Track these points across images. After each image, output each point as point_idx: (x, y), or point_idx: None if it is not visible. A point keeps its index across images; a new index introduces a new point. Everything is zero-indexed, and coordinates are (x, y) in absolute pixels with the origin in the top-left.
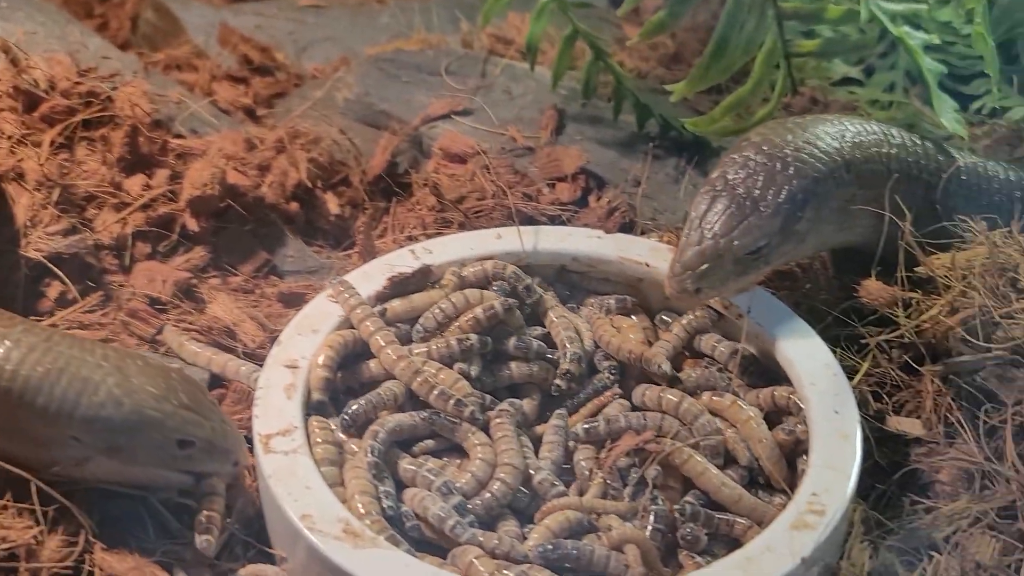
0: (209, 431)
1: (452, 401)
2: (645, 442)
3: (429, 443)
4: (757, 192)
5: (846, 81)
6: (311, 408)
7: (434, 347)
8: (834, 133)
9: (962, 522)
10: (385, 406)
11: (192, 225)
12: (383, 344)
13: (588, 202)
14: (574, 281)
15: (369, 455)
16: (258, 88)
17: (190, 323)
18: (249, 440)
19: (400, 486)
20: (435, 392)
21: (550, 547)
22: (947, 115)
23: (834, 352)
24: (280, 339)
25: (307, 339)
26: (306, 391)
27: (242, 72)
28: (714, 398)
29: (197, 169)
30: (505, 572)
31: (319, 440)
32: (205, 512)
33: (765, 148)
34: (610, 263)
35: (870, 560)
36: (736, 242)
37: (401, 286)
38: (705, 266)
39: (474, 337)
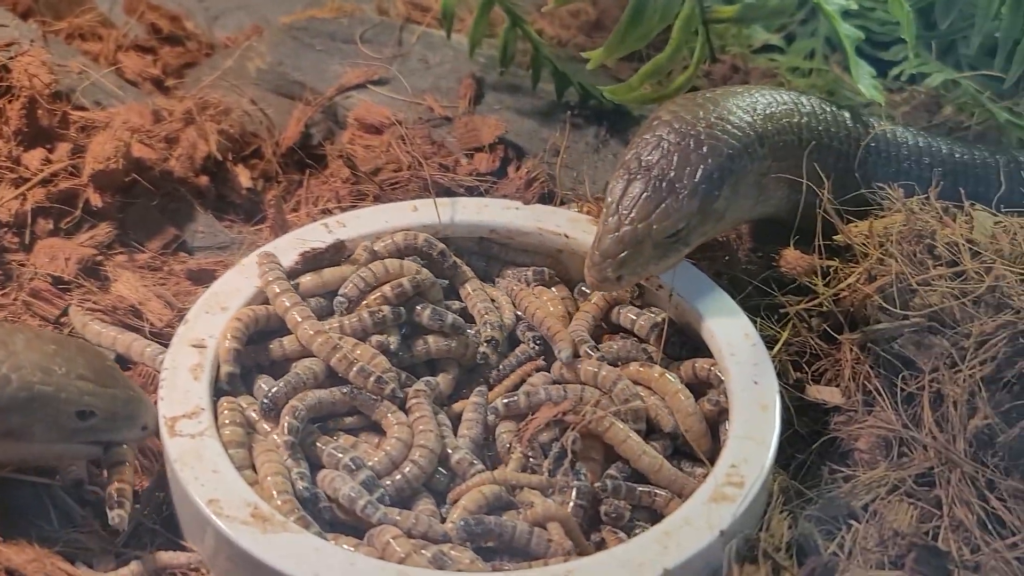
0: (110, 399)
1: (372, 378)
2: (564, 413)
3: (349, 420)
4: (672, 173)
5: (767, 49)
6: (220, 385)
7: (347, 321)
8: (745, 106)
9: (880, 490)
10: (305, 386)
11: (96, 200)
12: (300, 319)
13: (507, 172)
14: (494, 253)
15: (285, 434)
16: (167, 58)
17: (95, 303)
18: None
19: (317, 467)
20: (355, 369)
21: (472, 522)
22: (864, 81)
23: (754, 322)
24: (187, 318)
25: (216, 317)
26: (214, 372)
27: (150, 42)
28: (641, 369)
29: (100, 142)
30: (423, 552)
31: (227, 421)
32: (115, 485)
33: (677, 126)
34: (529, 234)
35: (789, 531)
36: (655, 226)
37: (314, 262)
38: (625, 253)
39: (387, 309)
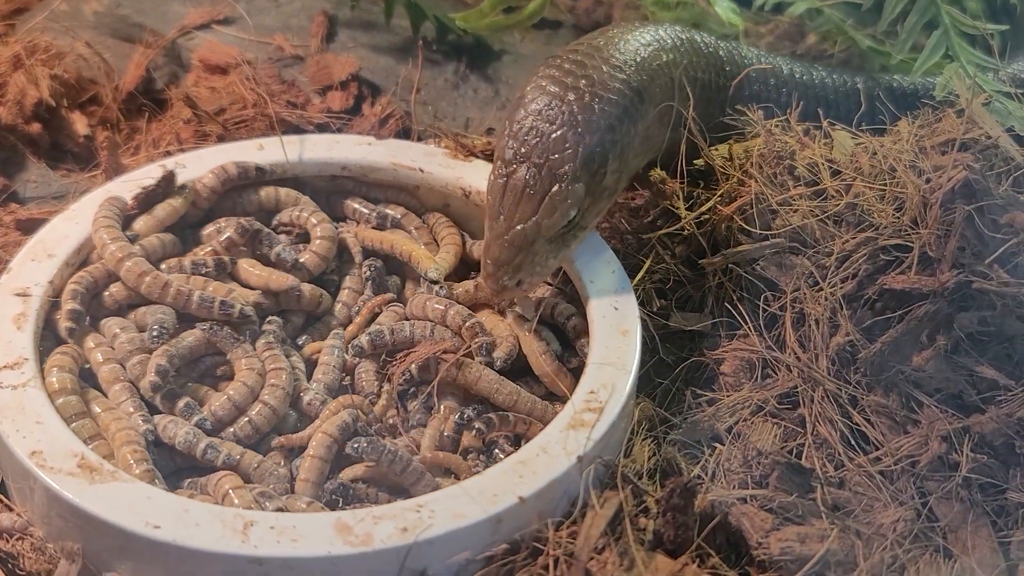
0: None
1: (216, 304)
2: (443, 351)
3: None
4: (553, 158)
5: None
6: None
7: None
8: (617, 62)
9: (744, 412)
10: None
11: None
12: (121, 256)
13: (361, 110)
14: (349, 190)
15: (150, 391)
16: None
17: None
18: None
19: None
20: (195, 299)
21: (365, 444)
22: (722, 5)
23: (616, 252)
24: (10, 266)
25: (41, 264)
26: (39, 321)
27: None
28: (492, 315)
29: None
30: (266, 504)
31: (57, 368)
32: None
33: (548, 102)
34: (383, 170)
35: (652, 457)
36: (544, 222)
37: (148, 200)
38: (518, 257)
39: (210, 261)
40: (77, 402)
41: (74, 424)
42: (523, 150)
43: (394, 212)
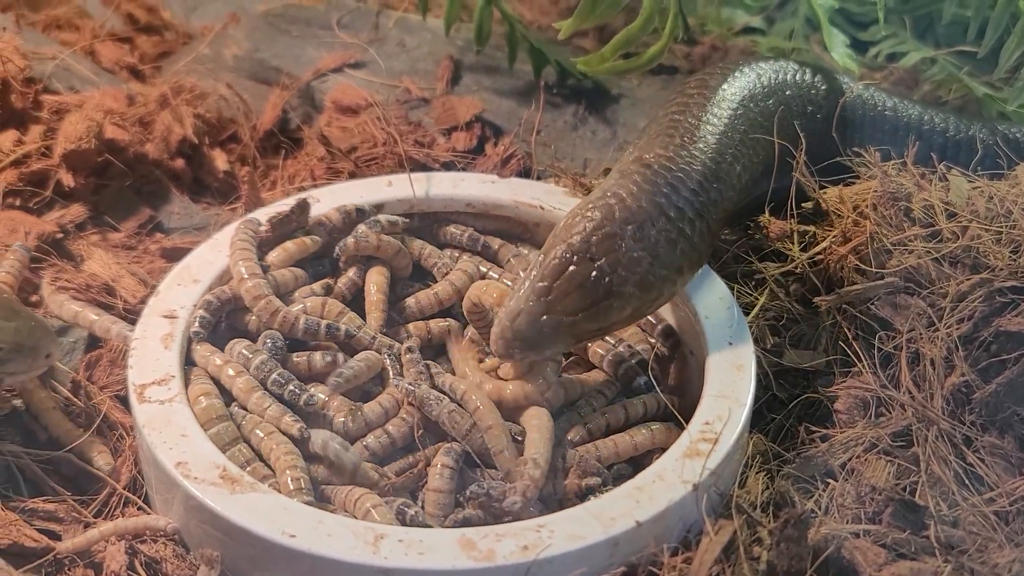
0: (13, 332)
1: (323, 327)
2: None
3: None
4: (621, 275)
5: (748, 32)
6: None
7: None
8: (706, 145)
9: (858, 448)
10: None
11: (68, 181)
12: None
13: (484, 150)
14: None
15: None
16: (144, 47)
17: (68, 280)
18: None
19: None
20: (301, 325)
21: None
22: (838, 50)
23: (731, 288)
24: (158, 290)
25: (187, 289)
26: (184, 341)
27: (127, 32)
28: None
29: (72, 123)
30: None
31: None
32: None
33: (625, 209)
34: (505, 207)
35: (765, 490)
36: (582, 324)
37: (282, 226)
38: (540, 338)
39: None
40: (230, 428)
41: (229, 451)
42: (595, 251)
43: (491, 242)
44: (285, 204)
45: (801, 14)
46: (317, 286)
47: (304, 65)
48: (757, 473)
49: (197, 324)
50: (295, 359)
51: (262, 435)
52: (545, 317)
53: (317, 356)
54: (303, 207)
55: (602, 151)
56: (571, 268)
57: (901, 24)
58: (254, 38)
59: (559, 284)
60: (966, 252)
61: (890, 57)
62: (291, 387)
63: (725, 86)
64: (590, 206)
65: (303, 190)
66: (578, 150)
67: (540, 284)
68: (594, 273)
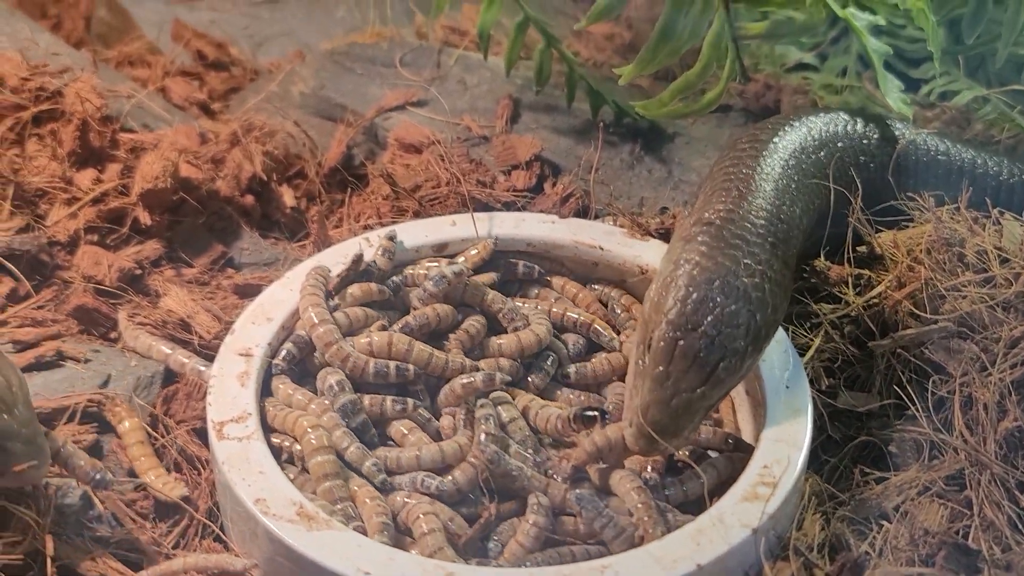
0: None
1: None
2: None
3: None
4: (726, 331)
5: (800, 68)
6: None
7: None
8: (774, 199)
9: (911, 491)
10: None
11: (145, 218)
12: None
13: (543, 189)
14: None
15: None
16: (213, 83)
17: (145, 316)
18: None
19: None
20: (371, 369)
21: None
22: (892, 95)
23: (787, 330)
24: (234, 328)
25: (261, 328)
26: (260, 379)
27: (196, 68)
28: None
29: (149, 162)
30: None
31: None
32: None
33: (718, 279)
34: (565, 247)
35: (821, 531)
36: (708, 395)
37: (344, 283)
38: (681, 422)
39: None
40: (341, 486)
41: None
42: (695, 319)
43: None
44: (345, 256)
45: (854, 51)
46: (375, 326)
47: (368, 102)
48: (813, 515)
49: (282, 359)
50: (368, 403)
51: (356, 488)
52: (674, 400)
53: (388, 403)
54: (357, 261)
55: (658, 190)
56: (680, 344)
57: (954, 63)
58: (320, 76)
59: (674, 364)
60: (1019, 298)
61: (942, 95)
62: (368, 464)
63: (776, 139)
64: (668, 280)
65: (369, 228)
66: (634, 188)
67: (657, 371)
68: (702, 340)
